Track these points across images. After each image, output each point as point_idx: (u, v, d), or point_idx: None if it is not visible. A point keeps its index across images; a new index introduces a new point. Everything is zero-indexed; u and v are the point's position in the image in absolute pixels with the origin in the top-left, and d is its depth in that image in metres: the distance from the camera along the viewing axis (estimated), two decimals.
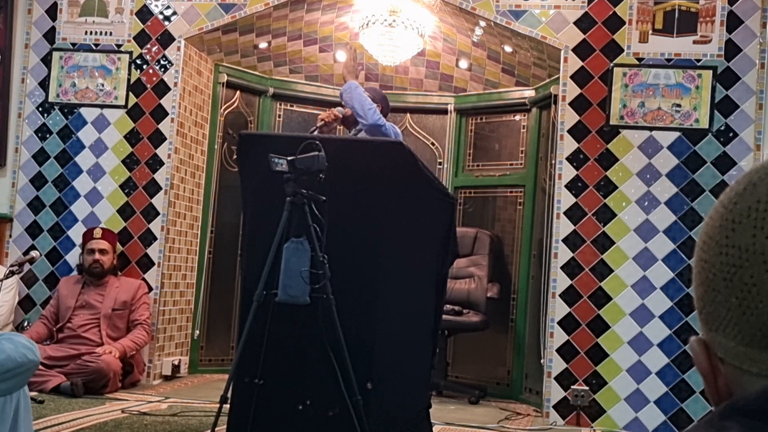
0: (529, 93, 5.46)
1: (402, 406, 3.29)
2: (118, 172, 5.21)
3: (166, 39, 5.22)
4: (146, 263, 5.13)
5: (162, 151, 5.16)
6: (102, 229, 5.01)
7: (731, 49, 4.55)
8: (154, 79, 5.21)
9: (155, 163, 5.17)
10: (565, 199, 4.66)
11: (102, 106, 5.27)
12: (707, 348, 0.68)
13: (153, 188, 5.16)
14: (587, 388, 4.54)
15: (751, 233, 0.63)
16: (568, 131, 4.70)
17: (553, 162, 4.83)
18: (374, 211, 3.05)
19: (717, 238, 0.66)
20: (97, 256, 4.87)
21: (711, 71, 4.56)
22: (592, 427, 4.52)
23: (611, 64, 4.67)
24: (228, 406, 3.02)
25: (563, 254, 4.63)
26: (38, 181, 5.30)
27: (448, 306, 4.89)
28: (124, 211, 5.18)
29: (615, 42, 4.68)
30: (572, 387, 4.55)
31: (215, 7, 5.17)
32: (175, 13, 5.23)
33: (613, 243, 4.59)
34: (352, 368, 2.88)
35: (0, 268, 4.94)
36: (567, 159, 4.68)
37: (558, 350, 4.60)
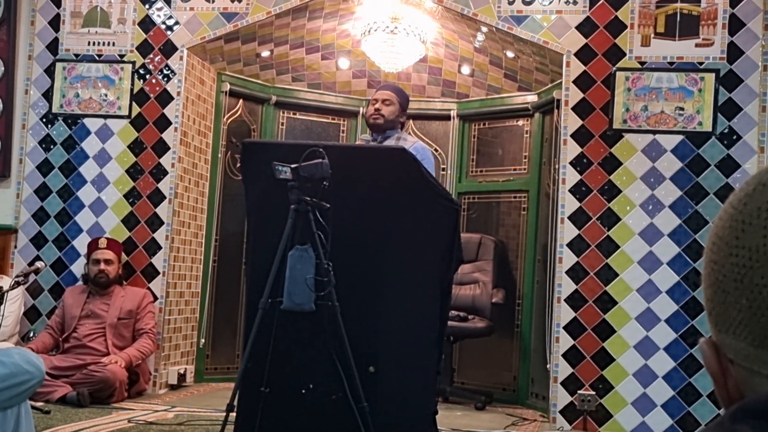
0: (531, 98, 5.46)
1: (408, 413, 3.29)
2: (122, 181, 5.22)
3: (169, 48, 5.24)
4: (151, 272, 5.13)
5: (166, 161, 5.17)
6: (107, 239, 5.02)
7: (733, 52, 4.55)
8: (157, 88, 5.23)
9: (159, 173, 5.18)
10: (569, 204, 4.66)
11: (105, 116, 5.28)
12: (717, 349, 0.67)
13: (157, 197, 5.17)
14: (594, 392, 4.53)
15: (761, 234, 0.63)
16: (571, 136, 4.70)
17: (557, 167, 4.82)
18: (378, 218, 3.05)
19: (727, 239, 0.66)
20: (102, 266, 4.88)
21: (713, 74, 4.56)
22: (599, 431, 4.51)
23: (614, 68, 4.67)
24: (234, 414, 3.02)
25: (568, 259, 4.63)
26: (43, 191, 5.31)
27: (453, 312, 4.88)
28: (129, 221, 5.19)
29: (617, 46, 4.68)
30: (579, 392, 4.54)
31: (217, 16, 5.19)
32: (177, 22, 5.24)
33: (617, 247, 4.59)
34: (358, 375, 2.88)
35: (5, 278, 4.96)
36: (570, 163, 4.68)
37: (564, 355, 4.59)
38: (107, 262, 4.90)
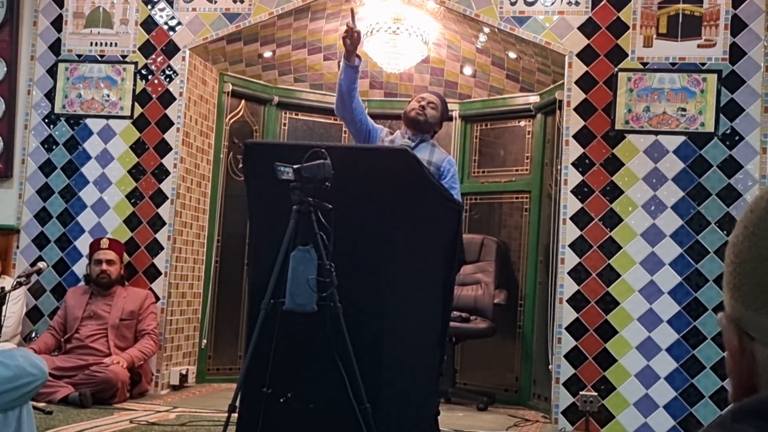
0: (533, 99, 5.46)
1: (410, 414, 3.29)
2: (125, 182, 5.22)
3: (171, 49, 5.24)
4: (153, 273, 5.14)
5: (168, 161, 5.17)
6: (109, 239, 5.02)
7: (736, 53, 4.55)
8: (160, 89, 5.23)
9: (161, 173, 5.18)
10: (571, 205, 4.66)
11: (108, 117, 5.29)
12: (737, 326, 0.66)
13: (159, 198, 5.17)
14: (596, 393, 4.53)
15: None
16: (573, 136, 4.69)
17: (559, 167, 4.82)
18: (380, 219, 3.05)
19: None
20: (104, 266, 4.88)
21: (716, 75, 4.56)
22: None
23: (616, 69, 4.67)
24: (236, 415, 3.02)
25: (570, 259, 4.63)
26: (45, 192, 5.31)
27: (455, 313, 4.88)
28: (131, 221, 5.20)
29: (619, 47, 4.68)
30: (581, 393, 4.54)
31: (219, 17, 5.19)
32: (179, 23, 5.24)
33: (619, 248, 4.58)
34: (360, 376, 2.88)
35: (8, 279, 4.96)
36: (572, 164, 4.68)
37: (566, 356, 4.59)
38: (109, 262, 4.90)
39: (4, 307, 4.14)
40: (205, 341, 5.52)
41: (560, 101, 4.89)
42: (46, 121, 5.36)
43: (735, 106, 4.53)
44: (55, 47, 5.39)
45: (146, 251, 5.16)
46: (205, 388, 5.34)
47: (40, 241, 5.29)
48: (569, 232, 4.65)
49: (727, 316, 0.67)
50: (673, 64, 4.62)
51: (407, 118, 3.87)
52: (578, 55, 4.73)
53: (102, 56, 5.33)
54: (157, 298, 5.07)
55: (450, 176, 3.75)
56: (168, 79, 5.23)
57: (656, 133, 4.60)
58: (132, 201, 5.21)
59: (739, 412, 0.60)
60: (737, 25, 4.56)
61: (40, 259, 5.17)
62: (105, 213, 5.23)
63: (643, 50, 4.66)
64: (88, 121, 5.31)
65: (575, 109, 4.70)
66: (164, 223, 5.15)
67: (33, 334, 5.10)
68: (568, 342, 4.59)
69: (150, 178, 5.20)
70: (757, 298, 0.64)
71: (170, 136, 5.18)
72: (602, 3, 4.72)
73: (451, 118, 5.80)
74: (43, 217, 5.31)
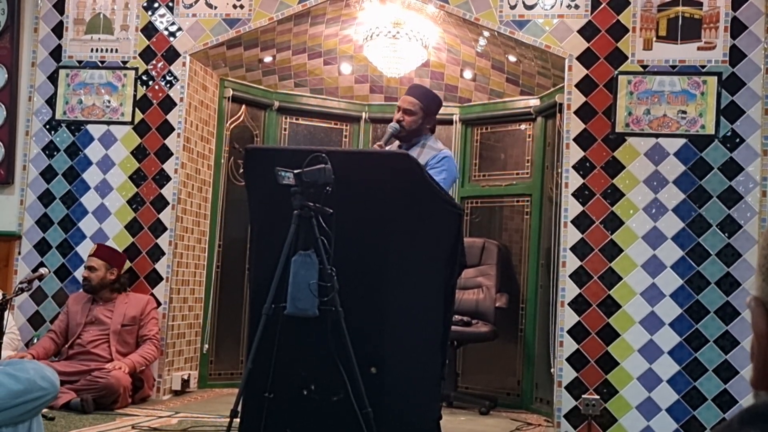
0: (534, 102, 5.46)
1: (412, 418, 3.29)
2: (126, 188, 5.23)
3: (172, 55, 5.24)
4: (154, 278, 5.14)
5: (169, 167, 5.18)
6: (98, 245, 5.03)
7: (736, 55, 4.55)
8: (160, 94, 5.23)
9: (162, 179, 5.18)
10: (572, 208, 4.66)
11: (108, 123, 5.29)
12: (767, 309, 0.66)
13: (160, 203, 5.17)
14: (598, 397, 4.52)
15: None
16: (574, 140, 4.69)
17: (560, 171, 4.82)
18: (381, 223, 3.06)
19: None
20: (84, 272, 4.91)
21: (716, 77, 4.56)
22: None
23: (616, 72, 4.67)
24: (238, 420, 3.02)
25: (571, 263, 4.63)
26: (46, 198, 5.31)
27: (456, 317, 4.88)
28: (132, 227, 5.20)
29: (619, 50, 4.68)
30: (583, 396, 4.54)
31: (220, 22, 5.20)
32: (180, 29, 5.25)
33: (621, 251, 4.58)
34: (362, 380, 2.88)
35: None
36: (573, 167, 4.68)
37: (568, 359, 4.58)
38: (90, 269, 4.90)
39: (5, 314, 4.13)
40: (206, 346, 5.52)
41: (560, 104, 4.89)
42: (47, 127, 5.36)
43: (735, 108, 4.53)
44: (56, 53, 5.40)
45: (147, 257, 5.16)
46: (207, 393, 5.34)
47: (42, 247, 5.30)
48: (570, 236, 4.65)
49: (757, 300, 0.67)
50: (673, 67, 4.62)
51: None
52: (578, 59, 4.73)
53: (102, 62, 5.34)
54: (159, 304, 5.07)
55: (430, 167, 3.64)
56: (168, 85, 5.23)
57: (657, 135, 4.60)
58: (133, 207, 5.21)
59: (747, 415, 0.60)
60: (737, 28, 4.56)
61: (41, 265, 5.17)
62: (106, 219, 5.23)
63: (643, 53, 4.66)
64: (89, 127, 5.31)
65: (575, 113, 4.70)
66: (165, 229, 5.15)
67: (35, 341, 5.09)
68: (569, 345, 4.58)
69: (151, 184, 5.20)
70: None
71: (171, 142, 5.19)
72: (602, 6, 4.72)
73: (451, 121, 5.81)
74: (44, 223, 5.31)
